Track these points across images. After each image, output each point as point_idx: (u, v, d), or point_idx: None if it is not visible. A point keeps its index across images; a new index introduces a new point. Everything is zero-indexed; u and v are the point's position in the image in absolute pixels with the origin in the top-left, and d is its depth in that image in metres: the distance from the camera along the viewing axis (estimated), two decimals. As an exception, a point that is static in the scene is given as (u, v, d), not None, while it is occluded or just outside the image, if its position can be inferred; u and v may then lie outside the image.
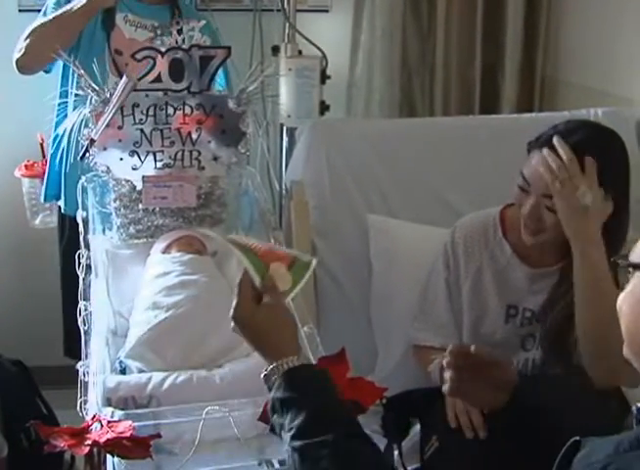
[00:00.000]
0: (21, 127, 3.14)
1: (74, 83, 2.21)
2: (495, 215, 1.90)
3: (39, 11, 3.10)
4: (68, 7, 2.30)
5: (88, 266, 1.74)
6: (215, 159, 2.00)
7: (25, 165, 2.86)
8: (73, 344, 1.75)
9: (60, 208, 2.53)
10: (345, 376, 1.41)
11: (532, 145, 1.74)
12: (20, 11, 3.15)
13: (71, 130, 1.88)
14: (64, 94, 2.16)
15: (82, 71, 1.90)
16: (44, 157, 2.88)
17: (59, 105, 2.14)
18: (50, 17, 2.32)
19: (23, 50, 2.29)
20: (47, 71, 2.46)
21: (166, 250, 1.89)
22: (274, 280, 1.28)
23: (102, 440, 1.29)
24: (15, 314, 3.13)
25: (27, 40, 2.30)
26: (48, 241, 2.96)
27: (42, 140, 2.85)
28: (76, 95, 1.95)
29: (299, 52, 2.56)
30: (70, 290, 1.85)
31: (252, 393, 1.46)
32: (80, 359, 1.59)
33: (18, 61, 2.33)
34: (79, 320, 1.65)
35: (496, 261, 1.86)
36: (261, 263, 1.29)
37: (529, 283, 1.83)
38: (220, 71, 2.03)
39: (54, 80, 2.50)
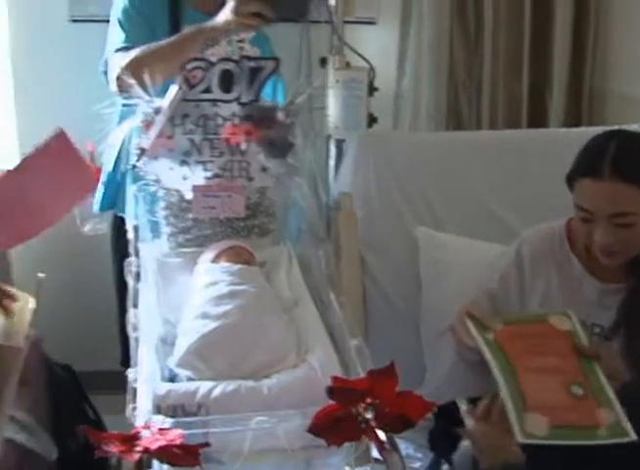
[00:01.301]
0: (73, 137, 3.18)
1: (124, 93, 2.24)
2: (560, 229, 1.87)
3: (91, 21, 3.17)
4: (186, 34, 2.22)
5: (138, 274, 1.75)
6: (264, 169, 2.00)
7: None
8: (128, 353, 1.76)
9: (114, 215, 2.56)
10: (394, 390, 1.40)
11: (578, 173, 1.70)
12: (72, 21, 3.20)
13: (123, 140, 1.89)
14: (116, 103, 2.18)
15: (133, 81, 1.91)
16: (94, 165, 2.91)
17: (111, 114, 2.15)
18: (164, 43, 2.20)
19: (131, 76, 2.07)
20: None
21: (216, 259, 1.90)
22: None
23: (153, 447, 1.29)
24: (64, 319, 3.16)
25: (137, 63, 2.17)
26: (98, 247, 2.99)
27: (92, 149, 2.87)
28: (127, 104, 1.97)
29: (347, 64, 2.56)
30: (122, 296, 1.88)
31: (299, 404, 1.46)
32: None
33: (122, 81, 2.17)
34: (128, 327, 1.66)
35: (565, 276, 1.83)
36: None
37: (600, 298, 1.79)
38: (279, 85, 2.04)
39: (103, 89, 2.53)
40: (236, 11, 2.04)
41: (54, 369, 2.61)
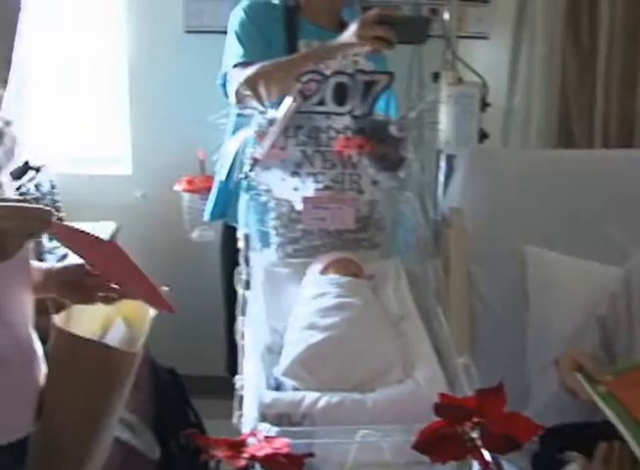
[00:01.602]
0: (182, 143, 3.27)
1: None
2: None
3: (205, 32, 3.25)
4: (305, 54, 2.25)
5: (247, 282, 1.78)
6: (374, 183, 2.01)
7: (186, 180, 2.96)
8: (235, 360, 1.78)
9: (225, 223, 2.60)
10: (502, 410, 1.38)
11: None
12: (186, 32, 3.28)
13: (237, 150, 1.92)
14: (230, 114, 2.22)
15: (249, 92, 1.95)
16: (203, 173, 2.98)
17: (225, 124, 2.19)
18: (283, 60, 2.21)
19: (249, 90, 2.13)
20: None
21: (324, 271, 1.91)
22: None
23: (259, 454, 1.31)
24: (171, 323, 3.24)
25: (256, 78, 2.17)
26: (205, 253, 3.05)
27: (203, 157, 2.94)
28: (241, 115, 2.00)
29: (460, 79, 2.54)
30: (230, 303, 1.90)
31: (404, 419, 1.45)
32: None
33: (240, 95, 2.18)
34: (237, 335, 1.69)
35: None
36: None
37: None
38: (392, 99, 2.04)
39: (216, 99, 2.58)
40: (359, 34, 2.05)
41: (159, 372, 2.66)
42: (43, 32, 3.25)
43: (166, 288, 1.65)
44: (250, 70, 2.18)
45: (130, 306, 1.60)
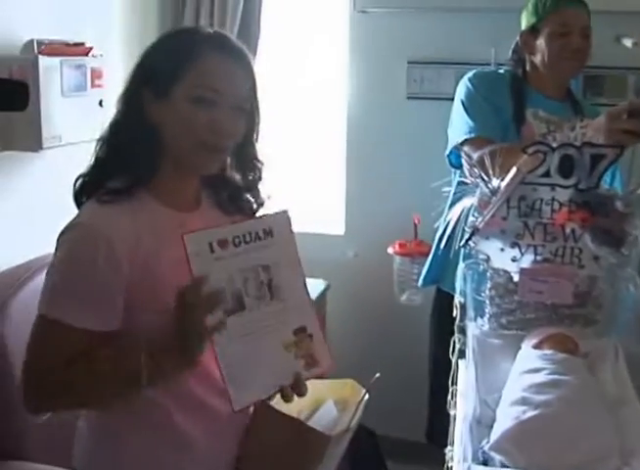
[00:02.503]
0: (396, 207, 3.32)
1: (460, 172, 2.29)
2: None
3: (425, 98, 3.31)
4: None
5: (462, 352, 1.76)
6: (596, 258, 1.94)
7: (399, 244, 3.00)
8: (436, 428, 1.77)
9: (438, 289, 2.61)
10: None
11: None
12: (407, 98, 3.35)
13: (459, 218, 1.92)
14: (452, 182, 2.23)
15: (474, 162, 1.94)
16: (416, 237, 3.00)
17: (448, 192, 2.20)
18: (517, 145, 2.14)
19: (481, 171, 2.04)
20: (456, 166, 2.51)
21: (539, 345, 1.86)
22: None
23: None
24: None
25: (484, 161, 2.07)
26: (411, 316, 3.06)
27: (417, 221, 2.97)
28: (463, 183, 2.00)
29: (691, 155, 2.43)
30: (437, 369, 1.90)
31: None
32: (438, 443, 1.61)
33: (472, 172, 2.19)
34: (448, 404, 1.67)
35: None
36: None
37: None
38: (617, 173, 1.98)
39: (434, 165, 2.61)
40: (609, 128, 2.01)
41: (358, 431, 2.68)
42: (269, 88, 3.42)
43: (378, 375, 1.66)
44: (483, 152, 2.18)
45: (343, 389, 1.61)
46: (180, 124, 1.58)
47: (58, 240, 1.56)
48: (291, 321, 1.52)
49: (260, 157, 1.75)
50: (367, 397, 1.66)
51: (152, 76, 1.60)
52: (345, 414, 1.65)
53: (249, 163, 1.74)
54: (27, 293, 2.34)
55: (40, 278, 2.19)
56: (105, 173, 1.61)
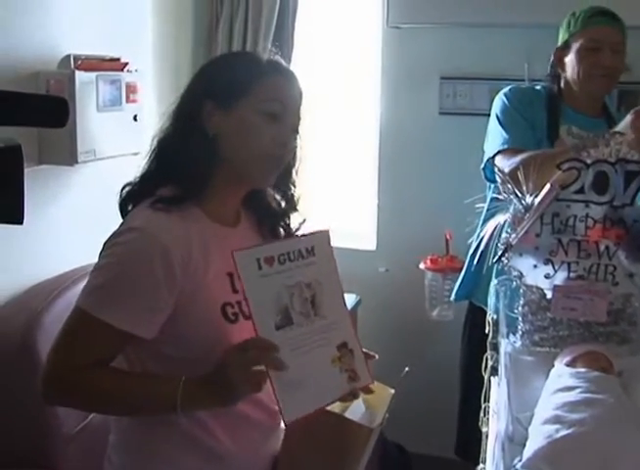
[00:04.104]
0: (428, 222, 3.32)
1: (493, 189, 2.28)
2: None
3: (458, 114, 3.30)
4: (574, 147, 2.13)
5: (494, 369, 1.75)
6: (631, 276, 1.92)
7: (430, 259, 2.99)
8: (466, 444, 1.76)
9: (470, 304, 2.60)
10: None
11: None
12: (440, 113, 3.35)
13: (492, 234, 1.92)
14: (486, 198, 2.23)
15: (507, 178, 1.94)
16: (447, 252, 2.99)
17: (481, 207, 2.20)
18: (549, 153, 2.21)
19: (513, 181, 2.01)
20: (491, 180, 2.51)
21: (572, 363, 1.84)
22: None
23: None
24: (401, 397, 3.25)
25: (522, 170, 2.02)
26: (442, 331, 3.05)
27: (449, 237, 2.96)
28: (497, 199, 2.00)
29: None
30: (469, 386, 1.88)
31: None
32: (468, 460, 1.60)
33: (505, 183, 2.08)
34: (480, 421, 1.66)
35: None
36: None
37: None
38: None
39: (467, 181, 2.60)
40: (634, 125, 2.00)
41: (388, 447, 2.67)
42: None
43: (407, 369, 1.67)
44: (516, 160, 2.18)
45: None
46: (246, 135, 1.60)
47: (106, 243, 1.57)
48: (334, 337, 1.54)
49: (297, 183, 1.78)
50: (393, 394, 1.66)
51: (216, 89, 1.62)
52: (375, 411, 1.65)
53: (288, 186, 1.76)
54: (62, 304, 2.36)
55: (76, 290, 2.21)
56: (154, 183, 1.63)
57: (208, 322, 1.54)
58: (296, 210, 1.79)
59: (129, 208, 1.64)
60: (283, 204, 1.79)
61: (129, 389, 1.52)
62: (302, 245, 1.53)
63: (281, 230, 1.80)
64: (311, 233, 1.58)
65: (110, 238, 1.57)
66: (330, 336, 1.54)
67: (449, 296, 2.82)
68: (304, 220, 1.81)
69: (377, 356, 1.62)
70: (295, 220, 1.80)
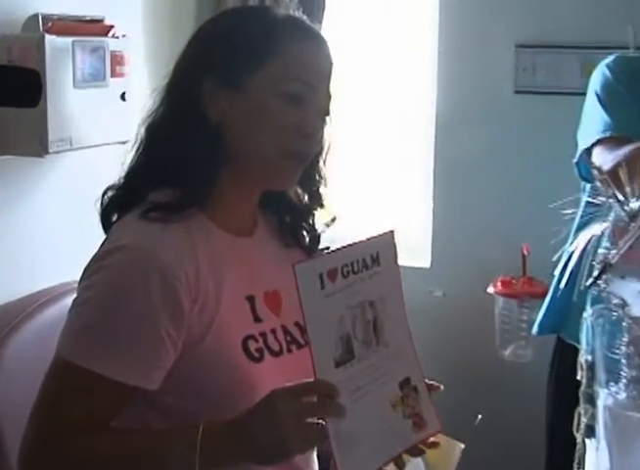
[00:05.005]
0: (498, 233, 3.28)
1: (589, 190, 2.23)
2: None
3: (535, 93, 3.27)
4: None
5: (590, 428, 1.71)
6: None
7: (502, 281, 2.95)
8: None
9: (558, 339, 2.56)
10: None
11: None
12: (515, 92, 3.32)
13: (585, 249, 1.87)
14: (579, 201, 2.19)
15: (607, 176, 1.89)
16: (525, 273, 2.95)
17: (573, 214, 2.15)
18: None
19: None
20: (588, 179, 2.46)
21: None
22: None
23: None
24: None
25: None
26: (518, 374, 3.01)
27: (527, 253, 2.92)
28: (592, 204, 1.95)
29: None
30: (556, 450, 1.82)
31: None
32: None
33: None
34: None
35: None
36: None
37: None
38: None
39: (548, 182, 2.57)
40: None
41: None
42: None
43: (480, 416, 1.65)
44: (620, 153, 2.13)
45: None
46: (260, 124, 1.56)
47: (88, 268, 1.52)
48: (395, 371, 1.52)
49: (324, 175, 1.74)
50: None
51: (218, 61, 1.57)
52: (440, 465, 1.63)
53: (313, 178, 1.72)
54: (26, 336, 2.32)
55: (44, 316, 2.19)
56: (144, 185, 1.59)
57: (227, 364, 1.50)
58: (321, 205, 1.76)
59: (114, 218, 1.61)
60: (306, 199, 1.75)
61: (137, 452, 1.47)
62: (367, 252, 1.50)
63: (304, 232, 1.77)
64: (376, 237, 1.54)
65: (92, 261, 1.52)
66: (391, 370, 1.51)
67: (527, 329, 2.79)
68: (334, 219, 1.78)
69: (442, 387, 1.59)
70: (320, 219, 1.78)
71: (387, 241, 1.56)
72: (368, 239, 1.54)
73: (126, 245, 1.49)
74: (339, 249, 1.50)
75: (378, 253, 1.52)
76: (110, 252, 1.50)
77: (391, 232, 1.56)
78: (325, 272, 1.42)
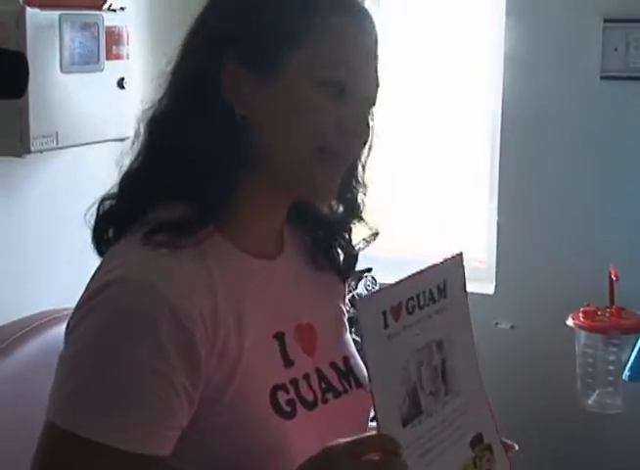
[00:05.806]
0: (580, 255, 3.26)
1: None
2: None
3: (628, 78, 3.27)
4: None
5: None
6: None
7: (585, 312, 2.93)
8: None
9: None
10: None
11: None
12: (602, 78, 3.32)
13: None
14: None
15: None
16: (613, 302, 2.93)
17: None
18: None
19: None
20: None
21: None
22: None
23: None
24: None
25: None
26: (607, 429, 2.99)
27: (615, 278, 2.90)
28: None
29: None
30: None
31: None
32: None
33: None
34: None
35: None
36: None
37: None
38: None
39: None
40: None
41: None
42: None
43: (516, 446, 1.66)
44: None
45: None
46: (293, 119, 1.52)
47: (79, 308, 1.48)
48: (467, 426, 1.51)
49: (364, 181, 1.72)
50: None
51: (240, 42, 1.53)
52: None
53: (350, 188, 1.70)
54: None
55: (23, 352, 2.19)
56: (146, 195, 1.57)
57: (253, 422, 1.46)
58: (360, 218, 1.72)
59: (108, 234, 1.58)
60: (340, 209, 1.72)
61: None
62: (433, 281, 1.49)
63: (338, 250, 1.75)
64: (442, 262, 1.53)
65: (82, 298, 1.48)
66: (463, 425, 1.50)
67: (616, 372, 2.78)
68: (376, 234, 1.75)
69: (516, 447, 1.58)
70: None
71: (454, 266, 1.55)
72: (435, 265, 1.53)
73: (125, 278, 1.44)
74: (403, 279, 1.48)
75: (445, 281, 1.51)
76: (104, 286, 1.45)
77: (460, 255, 1.55)
78: (388, 309, 1.40)
